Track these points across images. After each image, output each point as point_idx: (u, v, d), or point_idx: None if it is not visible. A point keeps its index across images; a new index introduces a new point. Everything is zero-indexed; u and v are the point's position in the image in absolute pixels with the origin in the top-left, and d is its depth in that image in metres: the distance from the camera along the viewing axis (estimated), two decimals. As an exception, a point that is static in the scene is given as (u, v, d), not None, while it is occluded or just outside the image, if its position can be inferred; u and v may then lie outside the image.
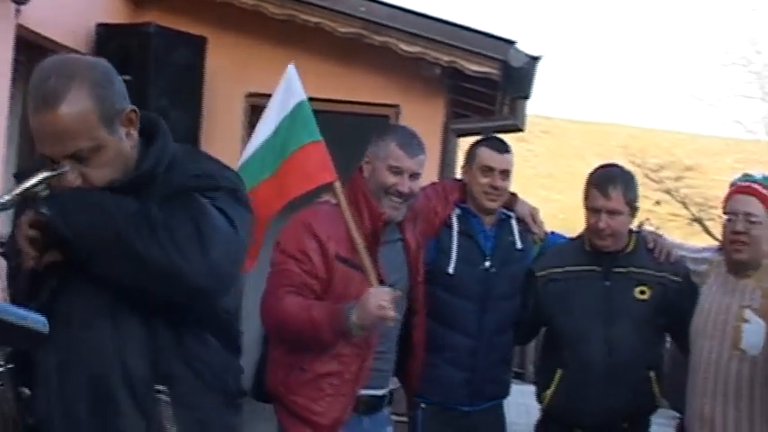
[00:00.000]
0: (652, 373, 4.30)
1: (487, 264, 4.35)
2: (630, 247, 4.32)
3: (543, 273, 4.35)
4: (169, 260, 2.14)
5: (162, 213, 2.18)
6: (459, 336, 4.33)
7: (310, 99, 6.69)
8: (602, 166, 4.43)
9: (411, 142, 3.96)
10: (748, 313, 3.97)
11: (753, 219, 3.98)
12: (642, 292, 4.24)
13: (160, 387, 2.30)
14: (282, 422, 3.97)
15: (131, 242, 2.13)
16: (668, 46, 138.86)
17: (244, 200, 2.42)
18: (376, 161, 3.94)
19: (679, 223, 32.88)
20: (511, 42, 6.92)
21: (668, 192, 33.34)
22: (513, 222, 4.49)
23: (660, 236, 4.48)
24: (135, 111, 2.34)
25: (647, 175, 35.69)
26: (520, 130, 7.97)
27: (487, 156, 4.34)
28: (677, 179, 35.56)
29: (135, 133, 2.35)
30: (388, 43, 6.96)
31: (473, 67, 6.92)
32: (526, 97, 7.65)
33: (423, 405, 4.39)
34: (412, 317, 4.14)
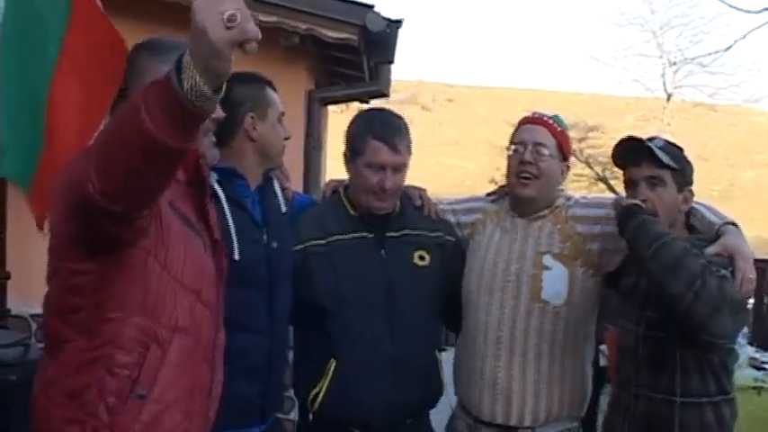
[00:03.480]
0: (437, 353, 3.73)
1: (266, 237, 3.40)
2: (398, 207, 3.66)
3: (301, 246, 3.54)
4: None
5: None
6: (253, 337, 3.33)
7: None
8: (374, 112, 3.69)
9: None
10: (548, 259, 3.55)
11: (543, 150, 3.54)
12: (421, 258, 3.63)
13: None
14: None
15: None
16: (563, 7, 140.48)
17: None
18: None
19: (584, 183, 33.44)
20: (368, 7, 6.87)
21: (572, 152, 33.99)
22: (275, 181, 3.61)
23: (424, 190, 3.87)
24: None
25: (551, 138, 36.31)
26: (384, 95, 7.95)
27: (276, 100, 3.47)
28: (581, 140, 36.16)
29: None
30: (246, 15, 6.86)
31: (331, 34, 6.84)
32: (389, 62, 7.65)
33: None
34: None
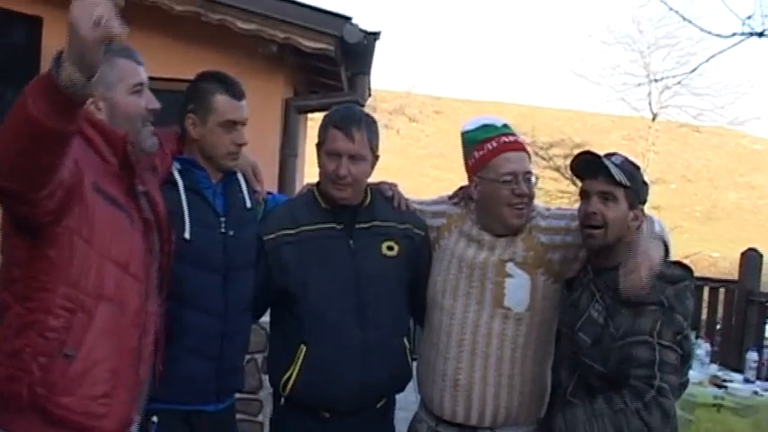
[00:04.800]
0: (405, 341, 3.82)
1: (223, 226, 3.58)
2: (368, 200, 3.77)
3: (272, 236, 3.69)
4: None
5: None
6: (204, 316, 3.53)
7: (151, 78, 6.67)
8: (341, 106, 3.83)
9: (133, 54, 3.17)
10: (511, 267, 3.61)
11: (532, 178, 3.60)
12: (390, 248, 3.73)
13: None
14: None
15: None
16: (552, 24, 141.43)
17: None
18: (107, 92, 3.05)
19: (568, 200, 33.61)
20: (346, 18, 6.98)
21: (557, 169, 34.07)
22: (240, 177, 3.75)
23: (395, 184, 3.96)
24: None
25: (536, 153, 36.47)
26: (360, 105, 8.07)
27: (229, 107, 3.53)
28: (566, 156, 36.25)
29: None
30: (225, 21, 7.00)
31: (309, 44, 6.96)
32: (365, 73, 7.78)
33: (154, 419, 3.39)
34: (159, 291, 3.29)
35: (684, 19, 18.07)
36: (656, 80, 31.84)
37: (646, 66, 38.97)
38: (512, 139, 3.66)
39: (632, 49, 40.03)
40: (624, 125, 43.58)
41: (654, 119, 38.59)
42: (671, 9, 15.89)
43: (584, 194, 3.44)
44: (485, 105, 50.60)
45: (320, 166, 3.69)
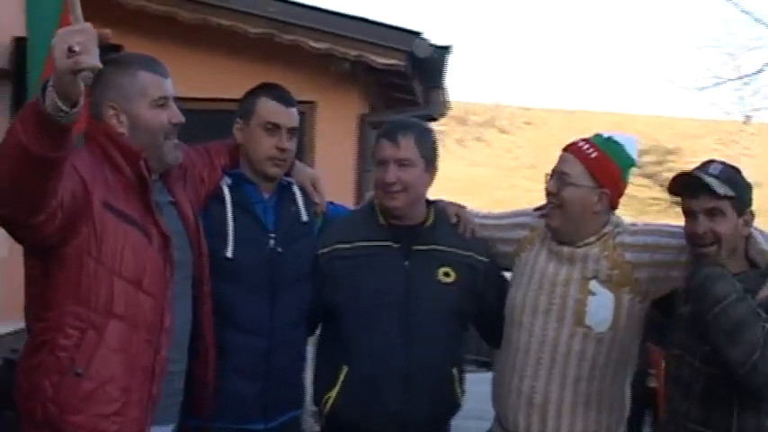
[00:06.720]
0: (455, 371, 3.68)
1: (272, 242, 3.52)
2: (430, 221, 3.67)
3: (327, 249, 3.62)
4: None
5: None
6: (248, 336, 3.47)
7: (228, 100, 6.84)
8: (396, 118, 3.84)
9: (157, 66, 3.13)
10: (594, 285, 3.47)
11: (565, 178, 3.44)
12: (446, 275, 3.60)
13: None
14: None
15: None
16: (641, 30, 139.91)
17: None
18: (128, 106, 3.01)
19: (660, 207, 33.12)
20: (415, 33, 7.09)
21: (649, 176, 33.55)
22: (296, 189, 3.67)
23: (462, 207, 3.82)
24: None
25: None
26: (434, 119, 8.16)
27: (272, 109, 3.51)
28: (659, 163, 35.82)
29: None
30: (298, 41, 7.15)
31: (380, 60, 7.09)
32: (438, 87, 7.86)
33: None
34: (197, 305, 3.28)
35: (761, 23, 17.79)
36: (738, 78, 31.39)
37: (737, 68, 38.28)
38: (572, 142, 3.58)
39: (722, 51, 39.43)
40: (716, 129, 42.87)
41: (746, 122, 37.87)
42: (757, 20, 15.58)
43: (688, 213, 3.27)
44: (575, 114, 50.28)
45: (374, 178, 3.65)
